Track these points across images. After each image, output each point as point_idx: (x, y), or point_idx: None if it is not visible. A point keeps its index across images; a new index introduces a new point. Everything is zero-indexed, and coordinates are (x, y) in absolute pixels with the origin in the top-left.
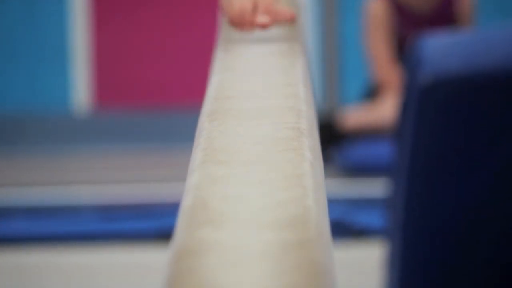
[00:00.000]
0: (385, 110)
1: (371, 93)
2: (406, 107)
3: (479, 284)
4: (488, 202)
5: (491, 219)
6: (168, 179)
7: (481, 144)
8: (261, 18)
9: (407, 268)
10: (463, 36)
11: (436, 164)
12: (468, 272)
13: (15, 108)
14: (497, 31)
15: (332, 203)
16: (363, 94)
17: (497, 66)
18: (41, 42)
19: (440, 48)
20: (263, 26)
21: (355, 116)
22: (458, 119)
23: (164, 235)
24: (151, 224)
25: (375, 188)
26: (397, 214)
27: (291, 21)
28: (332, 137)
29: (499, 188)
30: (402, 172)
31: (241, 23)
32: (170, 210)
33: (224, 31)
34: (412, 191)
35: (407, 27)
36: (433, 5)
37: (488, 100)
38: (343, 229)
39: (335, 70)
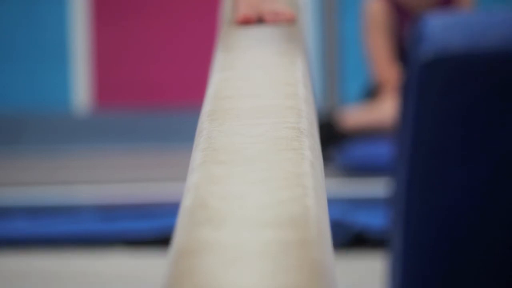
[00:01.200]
0: (385, 110)
1: (371, 93)
2: (408, 83)
3: (479, 280)
4: (489, 189)
5: (491, 211)
6: (168, 179)
7: (481, 120)
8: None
9: (408, 265)
10: (464, 16)
11: (439, 139)
12: (470, 267)
13: (15, 108)
14: (497, 12)
15: (332, 203)
16: (363, 94)
17: (497, 45)
18: (41, 42)
19: (442, 26)
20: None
21: (355, 115)
22: (458, 94)
23: (164, 235)
24: (151, 224)
25: (375, 188)
26: (398, 204)
27: (291, 21)
28: (332, 137)
29: (499, 172)
30: (405, 152)
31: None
32: (170, 210)
33: (224, 31)
34: (414, 173)
35: (406, 27)
36: (432, 4)
37: (488, 76)
38: (343, 229)
39: (335, 70)
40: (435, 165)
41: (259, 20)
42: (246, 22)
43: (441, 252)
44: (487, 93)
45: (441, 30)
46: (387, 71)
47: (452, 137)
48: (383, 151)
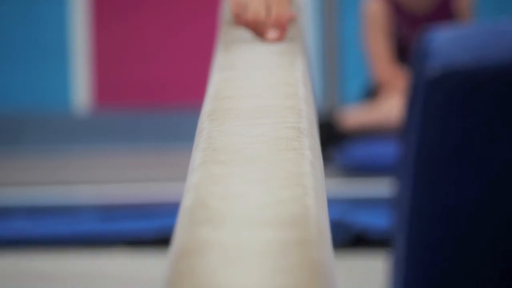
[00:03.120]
0: (385, 110)
1: (371, 93)
2: (413, 99)
3: (482, 281)
4: (492, 197)
5: (495, 215)
6: (168, 179)
7: (488, 135)
8: (271, 34)
9: (412, 266)
10: (470, 29)
11: (443, 155)
12: (472, 270)
13: (15, 108)
14: (503, 24)
15: (332, 203)
16: (363, 94)
17: (503, 58)
18: (41, 42)
19: (448, 41)
20: (273, 40)
21: (355, 115)
22: (465, 110)
23: (164, 235)
24: (151, 224)
25: (375, 187)
26: (402, 209)
27: (291, 21)
28: (332, 137)
29: (504, 181)
30: (409, 164)
31: (254, 28)
32: (170, 210)
33: (224, 31)
34: (418, 182)
35: (405, 27)
36: (431, 4)
37: (495, 91)
38: (343, 229)
39: (335, 70)
40: (440, 176)
41: (266, 35)
42: (255, 20)
43: (445, 254)
44: (494, 106)
45: (447, 45)
46: (387, 71)
47: (458, 151)
48: (383, 151)
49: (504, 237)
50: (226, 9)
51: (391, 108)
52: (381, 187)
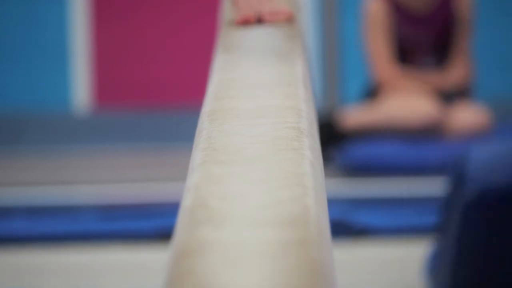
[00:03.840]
0: (385, 110)
1: (371, 93)
2: (449, 219)
3: None
4: None
5: None
6: (168, 179)
7: None
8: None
9: None
10: (505, 150)
11: (480, 275)
12: None
13: (15, 108)
14: None
15: (332, 203)
16: (363, 94)
17: None
18: (41, 42)
19: (484, 162)
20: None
21: (355, 115)
22: (501, 231)
23: (164, 235)
24: (151, 224)
25: (375, 187)
26: None
27: (290, 20)
28: (332, 137)
29: None
30: (444, 285)
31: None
32: (170, 210)
33: (224, 31)
34: None
35: (405, 27)
36: (431, 4)
37: None
38: (343, 228)
39: (335, 70)
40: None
41: (259, 20)
42: (246, 22)
43: None
44: None
45: (483, 167)
46: (387, 71)
47: (496, 270)
48: (383, 151)
49: None
50: (226, 10)
51: (391, 108)
52: (381, 187)
